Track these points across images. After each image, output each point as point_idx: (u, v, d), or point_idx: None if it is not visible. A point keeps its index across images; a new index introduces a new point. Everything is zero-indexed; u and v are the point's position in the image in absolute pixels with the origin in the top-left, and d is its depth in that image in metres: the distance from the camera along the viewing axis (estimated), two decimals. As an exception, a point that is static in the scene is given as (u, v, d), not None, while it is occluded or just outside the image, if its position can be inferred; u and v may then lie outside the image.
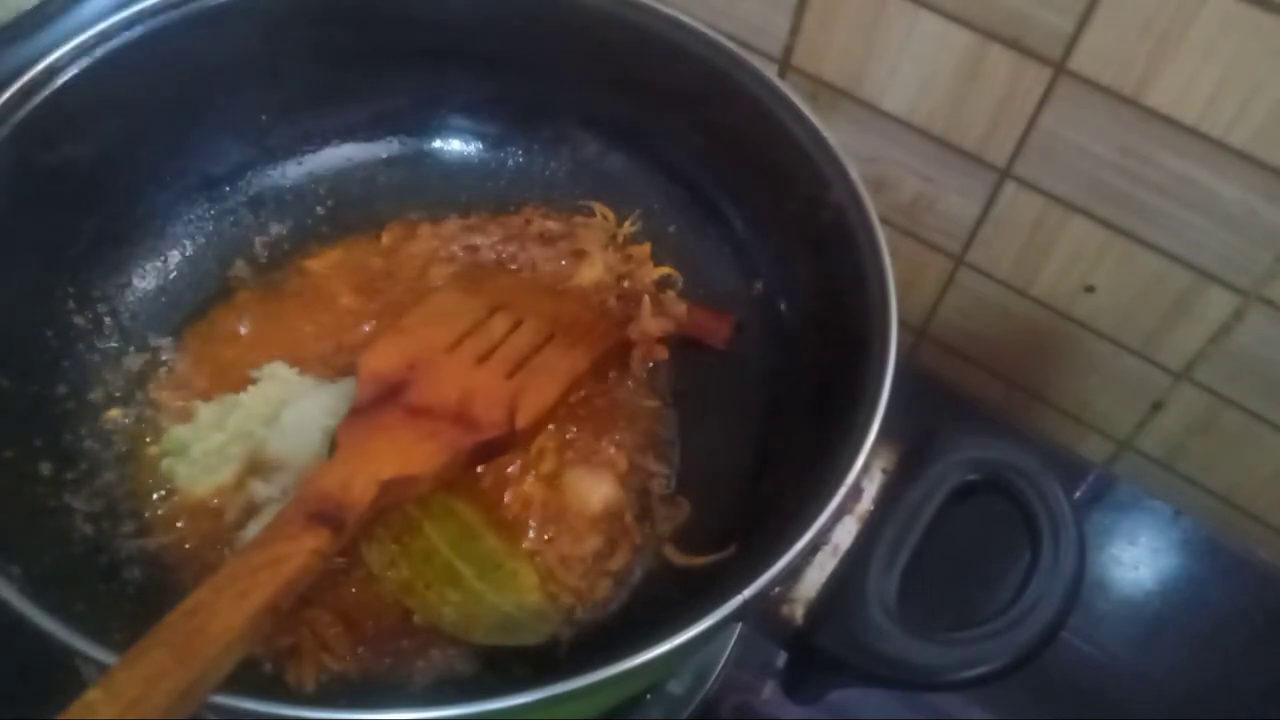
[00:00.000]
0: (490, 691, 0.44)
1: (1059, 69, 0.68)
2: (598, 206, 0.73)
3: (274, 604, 0.47)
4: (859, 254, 0.59)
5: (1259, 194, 0.67)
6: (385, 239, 0.72)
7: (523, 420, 0.61)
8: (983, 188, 0.78)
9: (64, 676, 0.51)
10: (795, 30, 0.77)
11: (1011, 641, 0.49)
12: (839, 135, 0.79)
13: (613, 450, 0.64)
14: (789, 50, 0.79)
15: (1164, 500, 0.85)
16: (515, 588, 0.57)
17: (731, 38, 0.79)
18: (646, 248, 0.72)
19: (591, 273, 0.71)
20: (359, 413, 0.59)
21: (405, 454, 0.57)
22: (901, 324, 0.88)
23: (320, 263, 0.70)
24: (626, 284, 0.71)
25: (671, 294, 0.70)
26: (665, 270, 0.71)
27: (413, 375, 0.61)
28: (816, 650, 0.51)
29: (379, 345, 0.63)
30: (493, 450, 0.61)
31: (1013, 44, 0.69)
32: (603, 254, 0.71)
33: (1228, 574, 0.83)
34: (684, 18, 0.65)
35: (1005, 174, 0.76)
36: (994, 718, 0.74)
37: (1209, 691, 0.76)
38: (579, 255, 0.71)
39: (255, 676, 0.54)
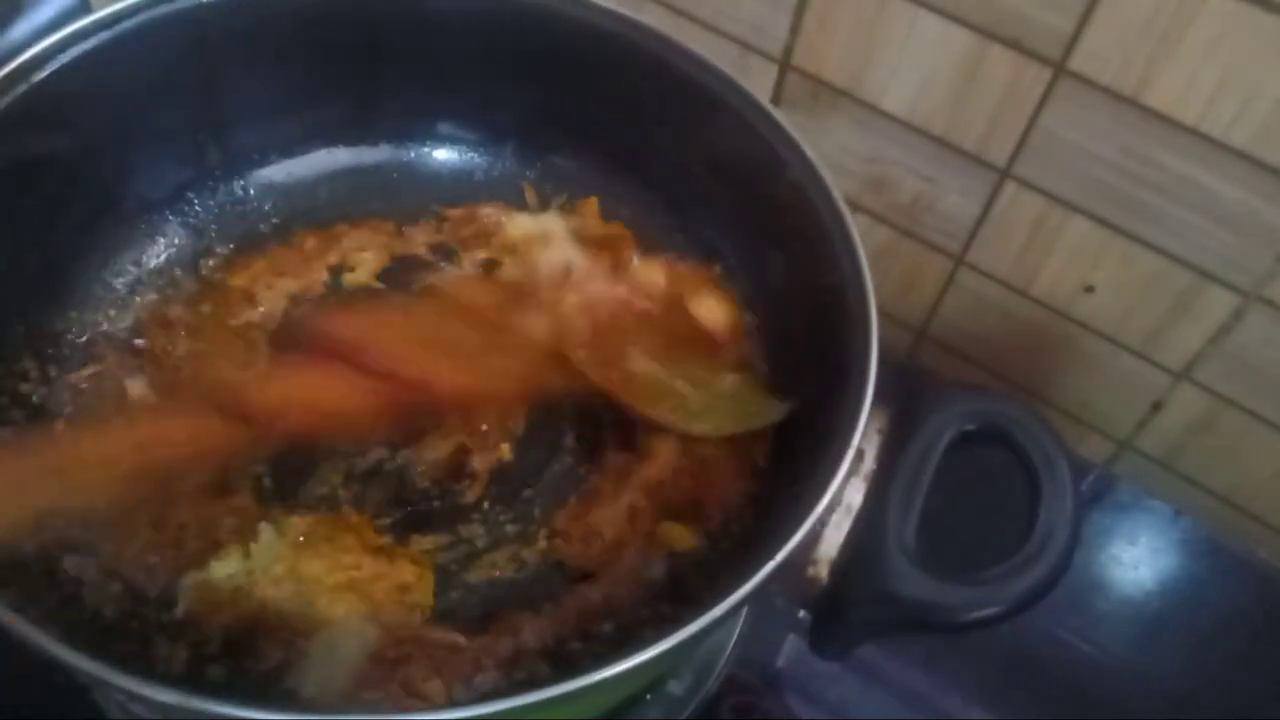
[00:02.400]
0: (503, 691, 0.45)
1: (1059, 69, 0.68)
2: (527, 188, 0.73)
3: (151, 469, 0.54)
4: (824, 226, 0.59)
5: (1259, 194, 0.67)
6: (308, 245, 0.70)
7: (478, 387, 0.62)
8: (983, 188, 0.78)
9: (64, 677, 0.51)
10: (795, 30, 0.77)
11: (1034, 572, 0.52)
12: (839, 135, 0.80)
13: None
14: (789, 50, 0.79)
15: (1164, 500, 0.85)
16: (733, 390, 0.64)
17: (731, 38, 0.80)
18: (591, 201, 0.72)
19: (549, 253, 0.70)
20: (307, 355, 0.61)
21: (337, 395, 0.59)
22: (901, 324, 0.89)
23: (243, 277, 0.69)
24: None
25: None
26: (615, 226, 0.71)
27: (368, 341, 0.61)
28: (846, 603, 0.53)
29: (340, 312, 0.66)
30: (435, 410, 0.62)
31: (1013, 44, 0.69)
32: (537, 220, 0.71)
33: (1228, 574, 0.83)
34: (612, 6, 0.65)
35: (1005, 174, 0.76)
36: (994, 718, 0.74)
37: (1209, 691, 0.76)
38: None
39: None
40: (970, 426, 0.55)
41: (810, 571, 0.53)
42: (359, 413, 0.59)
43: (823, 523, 0.52)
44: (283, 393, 0.60)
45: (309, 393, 0.60)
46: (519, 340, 0.65)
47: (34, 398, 0.62)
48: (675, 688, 0.68)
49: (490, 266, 0.70)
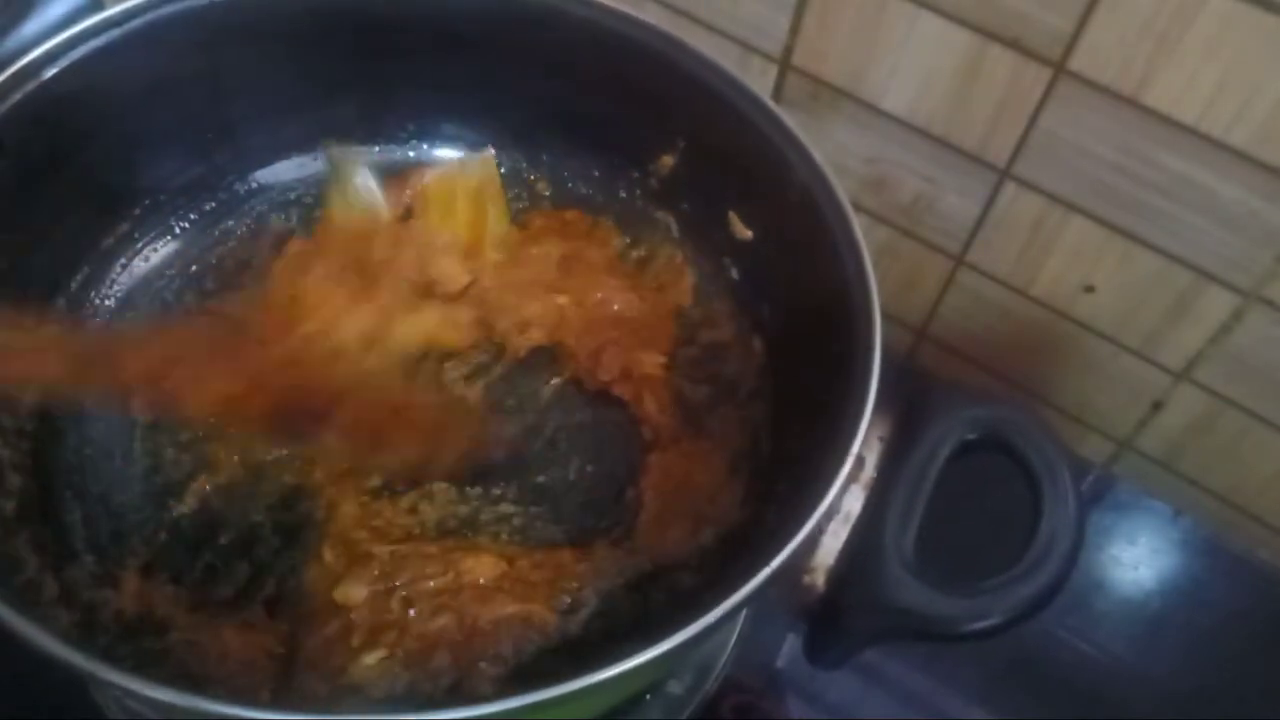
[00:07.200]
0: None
1: (1059, 69, 0.68)
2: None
3: None
4: (829, 230, 0.59)
5: (1259, 194, 0.67)
6: None
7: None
8: (983, 188, 0.78)
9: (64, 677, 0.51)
10: (795, 30, 0.77)
11: (1035, 581, 0.51)
12: (839, 135, 0.80)
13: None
14: (789, 50, 0.79)
15: (1164, 500, 0.85)
16: None
17: (732, 38, 0.80)
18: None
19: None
20: None
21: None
22: (901, 324, 0.89)
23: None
24: None
25: None
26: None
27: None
28: (842, 612, 0.53)
29: None
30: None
31: (1013, 44, 0.69)
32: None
33: (1228, 574, 0.83)
34: (617, 6, 0.65)
35: (1005, 174, 0.76)
36: (994, 718, 0.74)
37: (1209, 691, 0.76)
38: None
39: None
40: (972, 435, 0.55)
41: (807, 579, 0.53)
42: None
43: (820, 530, 0.52)
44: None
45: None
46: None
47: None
48: (675, 688, 0.68)
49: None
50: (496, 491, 0.63)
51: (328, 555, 0.58)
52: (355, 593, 0.57)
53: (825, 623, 0.54)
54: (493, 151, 0.74)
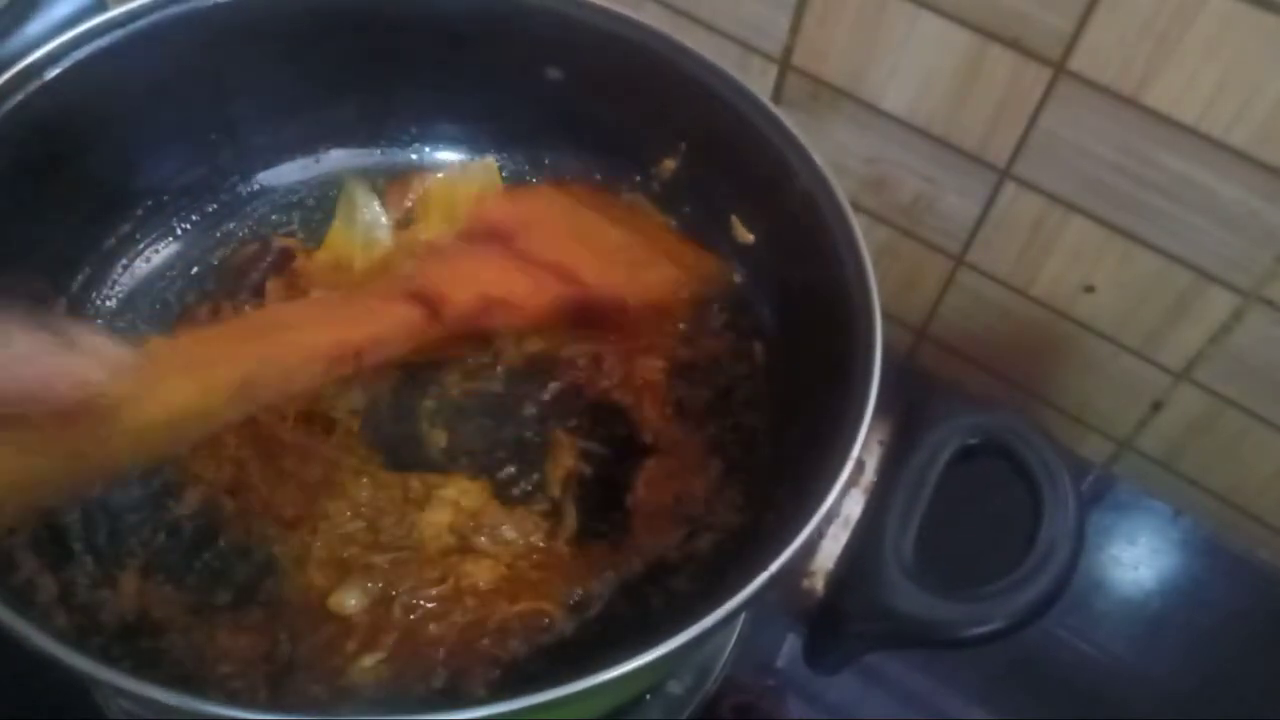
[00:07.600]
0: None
1: (1059, 69, 0.68)
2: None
3: (354, 349, 0.50)
4: (830, 234, 0.59)
5: (1259, 194, 0.67)
6: None
7: (635, 297, 0.64)
8: (983, 188, 0.78)
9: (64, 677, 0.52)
10: (795, 30, 0.77)
11: (1035, 587, 0.51)
12: (839, 135, 0.80)
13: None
14: (789, 50, 0.79)
15: (1164, 500, 0.85)
16: None
17: (731, 38, 0.80)
18: None
19: None
20: (466, 239, 0.64)
21: (508, 283, 0.61)
22: (901, 324, 0.89)
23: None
24: None
25: None
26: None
27: (524, 228, 0.64)
28: (841, 617, 0.53)
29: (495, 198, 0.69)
30: (595, 314, 0.64)
31: (1013, 44, 0.69)
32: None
33: (1228, 574, 0.83)
34: (617, 9, 0.65)
35: (1005, 174, 0.76)
36: (994, 718, 0.74)
37: (1209, 691, 0.76)
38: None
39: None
40: (973, 440, 0.55)
41: (806, 583, 0.53)
42: (526, 304, 0.61)
43: (820, 534, 0.52)
44: (460, 275, 0.60)
45: (483, 279, 0.60)
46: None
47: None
48: (675, 688, 0.68)
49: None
50: (495, 496, 0.63)
51: (316, 577, 0.58)
52: (350, 602, 0.57)
53: (824, 627, 0.54)
54: (494, 157, 0.75)
